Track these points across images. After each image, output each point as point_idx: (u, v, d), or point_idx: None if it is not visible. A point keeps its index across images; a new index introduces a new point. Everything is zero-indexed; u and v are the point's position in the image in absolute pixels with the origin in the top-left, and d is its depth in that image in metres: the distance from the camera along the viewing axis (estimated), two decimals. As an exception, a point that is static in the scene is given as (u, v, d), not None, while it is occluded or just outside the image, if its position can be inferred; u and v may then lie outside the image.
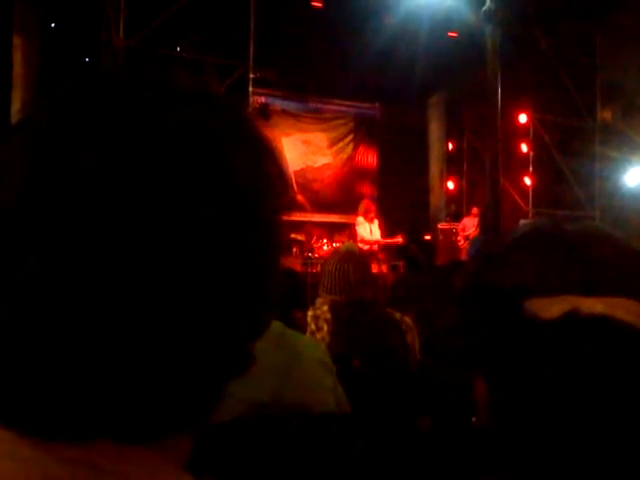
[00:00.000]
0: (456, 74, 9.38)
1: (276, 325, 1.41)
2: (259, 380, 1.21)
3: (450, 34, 8.98)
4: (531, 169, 10.60)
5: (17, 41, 7.13)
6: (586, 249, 0.55)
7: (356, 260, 2.37)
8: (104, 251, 0.36)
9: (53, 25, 8.59)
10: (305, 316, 2.30)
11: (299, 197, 9.28)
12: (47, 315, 0.36)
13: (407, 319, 2.29)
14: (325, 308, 2.27)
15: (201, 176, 0.39)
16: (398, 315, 2.29)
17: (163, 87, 0.43)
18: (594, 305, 0.50)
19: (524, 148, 10.62)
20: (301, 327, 2.22)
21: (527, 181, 10.62)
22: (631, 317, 0.49)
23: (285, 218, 0.45)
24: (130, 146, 0.38)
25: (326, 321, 2.24)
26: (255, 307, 0.42)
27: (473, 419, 0.65)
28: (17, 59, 7.06)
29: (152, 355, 0.37)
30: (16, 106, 6.73)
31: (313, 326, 2.24)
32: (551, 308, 0.51)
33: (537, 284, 0.54)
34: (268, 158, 0.45)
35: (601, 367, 0.49)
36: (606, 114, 10.49)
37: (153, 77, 0.44)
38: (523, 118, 10.46)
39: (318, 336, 2.21)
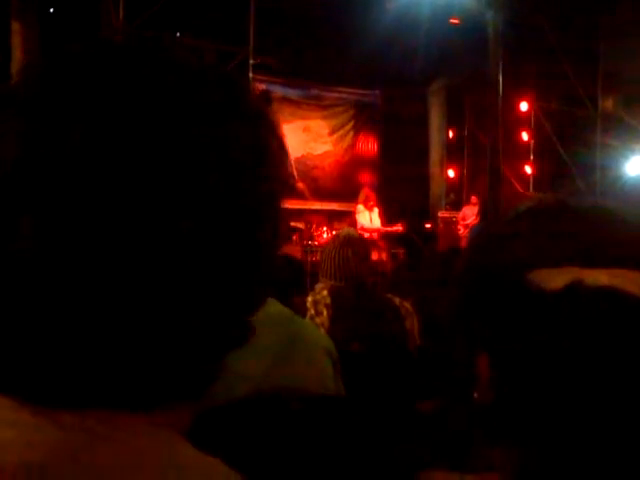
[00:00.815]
0: (457, 61, 9.33)
1: (285, 310, 1.41)
2: (257, 356, 1.21)
3: (452, 21, 8.92)
4: (532, 157, 10.59)
5: (16, 26, 7.09)
6: (589, 222, 0.55)
7: (356, 245, 2.37)
8: (97, 216, 0.36)
9: (52, 10, 8.54)
10: (305, 302, 2.31)
11: (299, 184, 9.26)
12: (42, 280, 0.36)
13: (406, 304, 2.29)
14: (325, 293, 2.27)
15: (196, 147, 0.39)
16: (397, 300, 2.30)
17: (160, 58, 0.43)
18: (599, 276, 0.49)
19: (525, 136, 10.60)
20: (301, 313, 2.22)
21: (528, 169, 10.61)
22: (636, 288, 0.48)
23: (284, 199, 0.45)
24: (121, 115, 0.38)
25: (326, 306, 2.24)
26: (250, 279, 0.42)
27: (475, 395, 0.65)
28: (16, 44, 7.03)
29: (148, 324, 0.38)
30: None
31: (313, 311, 2.24)
32: (555, 279, 0.51)
33: (540, 257, 0.53)
34: (268, 131, 0.45)
35: (606, 338, 0.49)
36: (607, 103, 10.45)
37: (150, 49, 0.44)
38: (524, 106, 10.43)
39: (317, 321, 2.22)
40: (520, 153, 10.56)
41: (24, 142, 0.38)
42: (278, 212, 0.45)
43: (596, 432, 0.49)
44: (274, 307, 1.35)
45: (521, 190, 10.34)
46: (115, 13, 7.51)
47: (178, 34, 8.24)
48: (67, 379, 0.37)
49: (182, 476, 0.38)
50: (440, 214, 10.39)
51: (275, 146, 0.45)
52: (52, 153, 0.37)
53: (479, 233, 0.70)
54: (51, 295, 0.36)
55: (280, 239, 0.46)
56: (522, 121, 10.57)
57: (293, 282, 2.29)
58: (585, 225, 0.55)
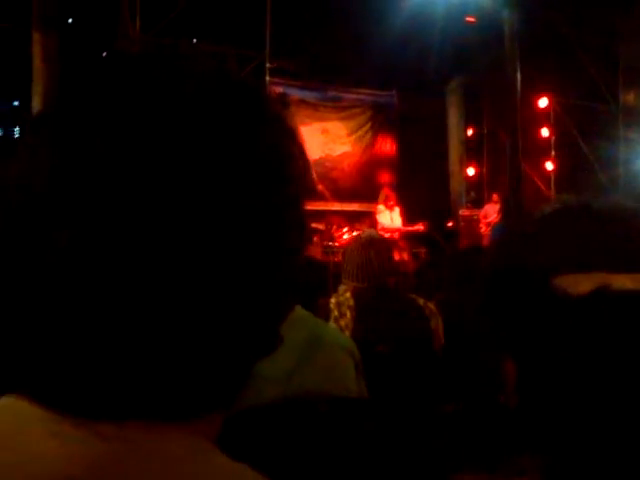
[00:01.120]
0: (474, 59, 9.27)
1: (302, 312, 1.41)
2: (281, 360, 1.21)
3: (468, 19, 8.87)
4: (553, 153, 10.46)
5: (36, 36, 7.21)
6: (614, 225, 0.55)
7: (378, 246, 2.36)
8: (130, 228, 0.37)
9: (70, 20, 8.65)
10: (328, 303, 2.31)
11: (319, 186, 9.27)
12: (80, 292, 0.37)
13: (430, 305, 2.29)
14: (348, 295, 2.27)
15: (221, 154, 0.40)
16: (422, 301, 2.29)
17: (179, 67, 0.43)
18: (624, 281, 0.49)
19: (545, 132, 10.48)
20: (325, 315, 2.22)
21: (549, 166, 10.48)
22: None
23: (306, 201, 0.45)
24: (145, 127, 0.39)
25: (349, 308, 2.24)
26: (278, 286, 0.43)
27: (501, 398, 0.65)
28: (36, 53, 7.14)
29: (183, 336, 0.38)
30: (36, 99, 6.80)
31: (336, 312, 2.25)
32: (580, 285, 0.51)
33: (566, 262, 0.53)
34: (288, 136, 0.45)
35: (631, 343, 0.49)
36: (629, 97, 10.29)
37: (168, 58, 0.44)
38: (543, 102, 10.31)
39: (342, 323, 2.22)
40: (540, 150, 10.43)
41: (55, 160, 0.39)
42: (302, 216, 0.45)
43: (622, 439, 0.49)
44: (295, 310, 1.35)
45: (542, 187, 10.23)
46: (132, 22, 7.58)
47: (195, 40, 8.31)
48: (107, 391, 0.38)
49: None
50: (461, 212, 10.31)
51: (295, 150, 0.45)
52: (82, 168, 0.38)
53: (503, 235, 0.70)
54: (87, 307, 0.37)
55: (305, 243, 0.47)
56: (542, 117, 10.45)
57: (316, 285, 2.29)
58: (608, 228, 0.54)
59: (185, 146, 0.38)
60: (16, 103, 11.02)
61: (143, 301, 0.37)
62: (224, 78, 0.44)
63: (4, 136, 11.14)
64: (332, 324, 2.25)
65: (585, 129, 10.06)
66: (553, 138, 10.41)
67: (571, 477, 0.51)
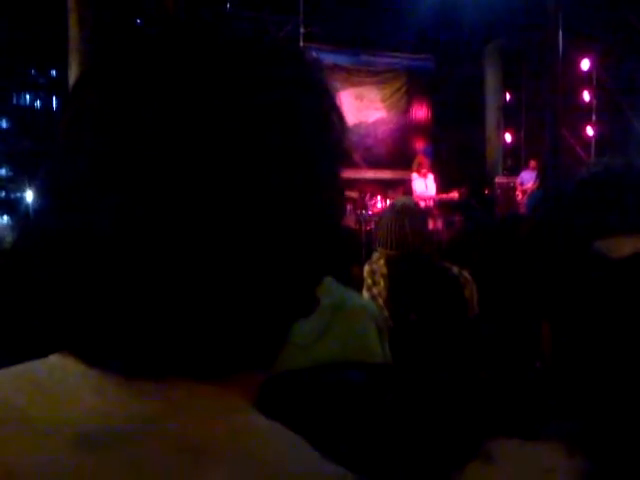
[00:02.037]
0: (513, 20, 8.98)
1: (327, 279, 1.42)
2: (307, 325, 1.24)
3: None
4: (594, 118, 10.16)
5: (71, 4, 7.25)
6: None
7: (412, 214, 2.35)
8: (176, 194, 0.38)
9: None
10: (362, 271, 2.31)
11: (352, 154, 9.21)
12: (127, 258, 0.38)
13: (465, 273, 2.27)
14: (382, 262, 2.27)
15: (263, 122, 0.40)
16: (456, 269, 2.27)
17: (224, 35, 0.43)
18: None
19: (586, 96, 10.16)
20: (359, 282, 2.23)
21: (589, 131, 10.20)
22: None
23: (343, 168, 0.46)
24: (195, 96, 0.39)
25: (383, 276, 2.24)
26: (317, 248, 0.43)
27: (537, 364, 0.65)
28: (72, 21, 7.19)
29: (224, 294, 0.39)
30: (73, 68, 6.87)
31: (370, 280, 2.25)
32: (621, 248, 0.50)
33: (608, 224, 0.52)
34: (329, 102, 0.45)
35: None
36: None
37: (214, 26, 0.44)
38: (586, 64, 9.98)
39: (375, 290, 2.22)
40: (581, 114, 10.14)
41: (101, 132, 0.40)
42: (339, 181, 0.46)
43: None
44: None
45: (582, 153, 9.97)
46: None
47: (228, 6, 8.25)
48: (147, 350, 0.39)
49: (253, 441, 0.39)
50: (497, 180, 10.14)
51: (335, 117, 0.45)
52: (130, 140, 0.39)
53: (542, 200, 0.69)
54: (130, 268, 0.38)
55: (342, 207, 0.48)
56: (583, 80, 10.13)
57: (350, 253, 2.29)
58: None
59: (226, 114, 0.39)
60: (54, 73, 11.17)
61: (186, 261, 0.38)
62: (263, 44, 0.44)
63: (43, 107, 11.33)
64: (365, 292, 2.25)
65: (628, 92, 9.71)
66: (595, 102, 10.09)
67: (604, 444, 0.51)
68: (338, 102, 0.46)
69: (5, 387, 0.40)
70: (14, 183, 9.98)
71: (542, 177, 8.96)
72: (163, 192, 0.38)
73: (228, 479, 0.37)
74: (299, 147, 0.41)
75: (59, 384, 0.40)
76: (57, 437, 0.37)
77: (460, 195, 8.60)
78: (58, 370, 0.40)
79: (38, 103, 11.42)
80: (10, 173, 10.71)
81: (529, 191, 9.08)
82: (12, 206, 9.10)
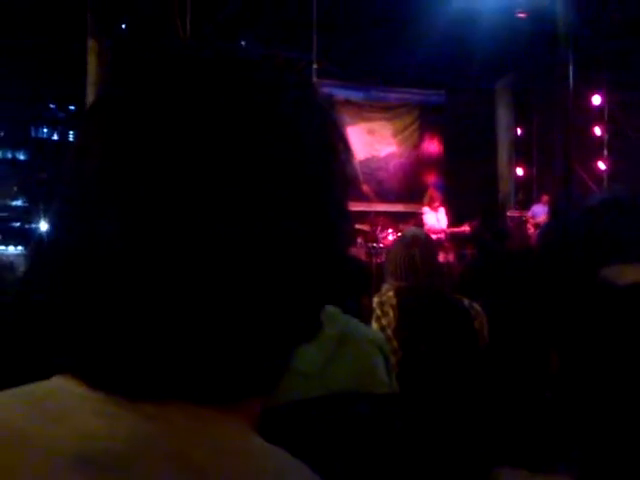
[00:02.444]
0: (525, 56, 9.08)
1: (332, 309, 1.42)
2: (312, 354, 1.24)
3: (519, 14, 8.69)
4: (605, 153, 10.16)
5: (91, 43, 7.49)
6: None
7: (422, 245, 2.34)
8: (179, 214, 0.38)
9: (124, 26, 8.90)
10: (372, 302, 2.30)
11: (364, 187, 9.25)
12: (131, 280, 0.38)
13: (476, 305, 2.25)
14: (391, 294, 2.25)
15: (274, 154, 0.40)
16: (467, 301, 2.25)
17: (237, 61, 0.44)
18: None
19: (598, 131, 10.18)
20: (368, 313, 2.21)
21: (601, 166, 10.18)
22: None
23: (349, 195, 0.46)
24: (196, 114, 0.39)
25: (392, 307, 2.22)
26: (323, 273, 0.43)
27: (547, 394, 0.64)
28: (91, 60, 7.42)
29: (227, 319, 0.39)
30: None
31: (379, 312, 2.23)
32: (626, 275, 0.50)
33: (614, 253, 0.52)
34: (335, 133, 0.46)
35: None
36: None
37: (226, 51, 0.45)
38: (597, 99, 10.02)
39: (384, 322, 2.20)
40: (593, 149, 10.14)
41: (108, 153, 0.40)
42: (345, 206, 0.46)
43: None
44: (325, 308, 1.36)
45: (594, 188, 9.94)
46: (182, 27, 7.76)
47: (243, 43, 8.43)
48: (149, 373, 0.39)
49: (254, 463, 0.39)
50: (509, 213, 10.12)
51: (341, 147, 0.45)
52: (132, 155, 0.39)
53: (552, 230, 0.69)
54: (136, 292, 0.38)
55: (350, 235, 0.48)
56: (594, 115, 10.15)
57: (360, 284, 2.28)
58: None
59: (232, 139, 0.39)
60: (72, 108, 11.40)
61: (189, 286, 0.38)
62: (281, 76, 0.45)
63: (61, 140, 11.54)
64: (374, 323, 2.24)
65: (641, 128, 9.72)
66: (606, 137, 10.10)
67: (610, 473, 0.49)
68: (344, 131, 0.46)
69: (6, 408, 0.40)
70: (29, 214, 10.11)
71: (554, 211, 8.93)
72: (168, 214, 0.38)
73: None
74: (304, 172, 0.41)
75: (60, 405, 0.40)
76: (57, 458, 0.37)
77: (472, 228, 8.59)
78: (59, 392, 0.41)
79: (55, 136, 11.63)
80: (25, 204, 10.87)
81: (541, 224, 9.05)
82: (26, 236, 9.19)
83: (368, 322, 2.15)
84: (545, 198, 9.49)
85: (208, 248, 0.38)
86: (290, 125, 0.42)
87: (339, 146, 0.45)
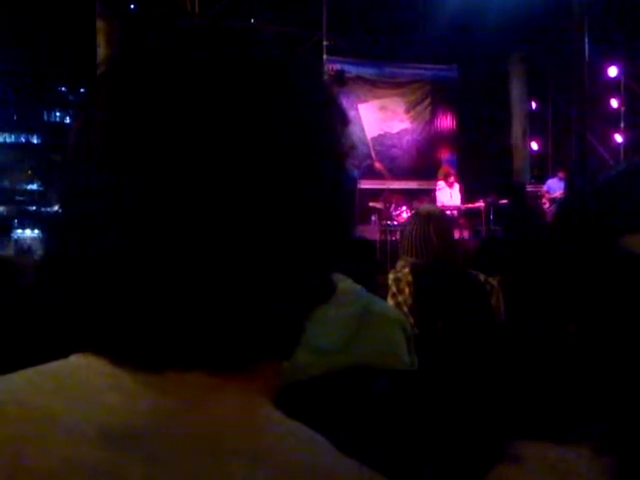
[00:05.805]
0: (539, 27, 8.91)
1: (355, 286, 1.42)
2: (334, 331, 1.24)
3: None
4: (622, 125, 10.00)
5: (100, 24, 7.48)
6: None
7: (437, 221, 2.33)
8: (189, 182, 0.39)
9: (132, 7, 8.87)
10: (386, 279, 2.30)
11: (377, 164, 9.19)
12: (146, 254, 0.39)
13: (492, 281, 2.24)
14: (406, 271, 2.25)
15: (270, 126, 0.41)
16: (482, 277, 2.25)
17: (245, 40, 0.44)
18: None
19: (614, 103, 10.02)
20: (384, 292, 2.22)
21: (618, 138, 10.04)
22: None
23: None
24: (213, 105, 0.40)
25: (407, 284, 2.22)
26: (331, 235, 0.44)
27: (565, 367, 0.64)
28: (100, 41, 7.41)
29: (240, 281, 0.40)
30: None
31: (394, 288, 2.23)
32: None
33: (634, 222, 0.52)
34: (337, 116, 0.46)
35: None
36: None
37: (236, 32, 0.45)
38: (613, 71, 9.85)
39: (400, 298, 2.21)
40: (609, 122, 9.99)
41: (112, 130, 0.41)
42: (346, 171, 0.46)
43: None
44: (345, 283, 1.37)
45: (611, 161, 9.80)
46: (192, 6, 7.72)
47: (252, 20, 8.35)
48: (164, 342, 0.39)
49: (271, 435, 0.40)
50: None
51: (343, 130, 0.46)
52: (137, 126, 0.40)
53: (570, 201, 0.68)
54: (150, 265, 0.39)
55: (351, 199, 0.49)
56: (611, 87, 9.99)
57: (373, 263, 2.29)
58: None
59: (231, 114, 0.40)
60: (83, 90, 11.41)
61: (201, 255, 0.39)
62: (287, 57, 0.45)
63: (73, 123, 11.58)
64: (390, 300, 2.24)
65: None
66: (623, 109, 9.94)
67: (632, 446, 0.49)
68: (347, 117, 0.47)
69: (27, 387, 0.41)
70: (45, 197, 10.19)
71: (570, 185, 8.83)
72: (179, 178, 0.39)
73: (247, 471, 0.37)
74: (300, 142, 0.42)
75: (80, 382, 0.40)
76: (80, 434, 0.37)
77: (486, 205, 8.52)
78: (79, 369, 0.41)
79: (68, 120, 11.66)
80: (41, 188, 10.95)
81: (557, 199, 8.96)
82: (43, 220, 9.28)
83: (384, 298, 2.15)
84: (562, 174, 9.36)
85: (214, 222, 0.39)
86: (294, 100, 0.43)
87: (334, 118, 0.46)
